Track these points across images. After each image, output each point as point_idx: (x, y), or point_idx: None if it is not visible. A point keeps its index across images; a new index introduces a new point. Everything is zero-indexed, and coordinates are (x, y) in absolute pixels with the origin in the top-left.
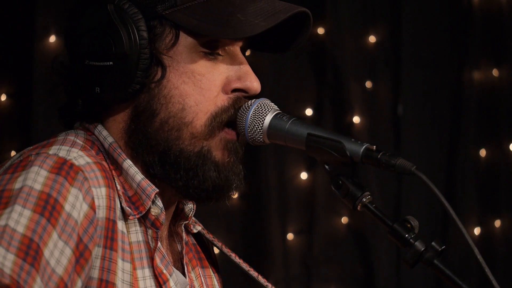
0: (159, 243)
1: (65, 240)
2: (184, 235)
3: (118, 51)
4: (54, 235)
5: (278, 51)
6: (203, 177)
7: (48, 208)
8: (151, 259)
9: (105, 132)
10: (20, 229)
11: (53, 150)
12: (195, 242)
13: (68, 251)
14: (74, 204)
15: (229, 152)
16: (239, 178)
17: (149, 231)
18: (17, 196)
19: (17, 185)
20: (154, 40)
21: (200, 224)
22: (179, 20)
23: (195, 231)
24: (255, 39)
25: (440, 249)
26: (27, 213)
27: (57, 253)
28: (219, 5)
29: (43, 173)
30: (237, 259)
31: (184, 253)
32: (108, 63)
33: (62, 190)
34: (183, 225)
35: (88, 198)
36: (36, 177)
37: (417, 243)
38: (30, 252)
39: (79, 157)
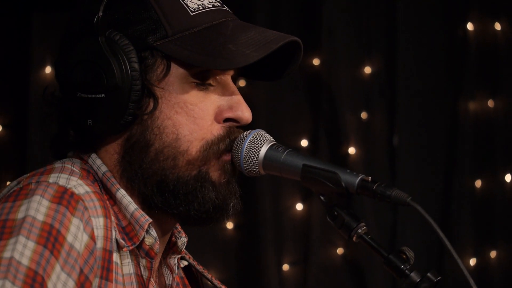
0: (151, 274)
1: (67, 272)
2: (176, 268)
3: (110, 83)
4: (57, 268)
5: (269, 79)
6: (203, 199)
7: (51, 239)
8: None
9: (98, 161)
10: (25, 261)
11: (52, 178)
12: (182, 275)
13: (71, 283)
14: (76, 235)
15: (225, 172)
16: (236, 197)
17: (143, 261)
18: (20, 226)
19: (20, 214)
20: (146, 71)
21: (190, 256)
22: (171, 51)
23: (182, 265)
24: (246, 68)
25: (435, 280)
26: (31, 245)
27: (60, 285)
28: (211, 35)
29: (45, 203)
30: None
31: (174, 286)
32: (100, 96)
33: (64, 221)
34: (176, 259)
35: (88, 228)
36: (39, 207)
37: (412, 274)
38: (35, 285)
39: (79, 185)
